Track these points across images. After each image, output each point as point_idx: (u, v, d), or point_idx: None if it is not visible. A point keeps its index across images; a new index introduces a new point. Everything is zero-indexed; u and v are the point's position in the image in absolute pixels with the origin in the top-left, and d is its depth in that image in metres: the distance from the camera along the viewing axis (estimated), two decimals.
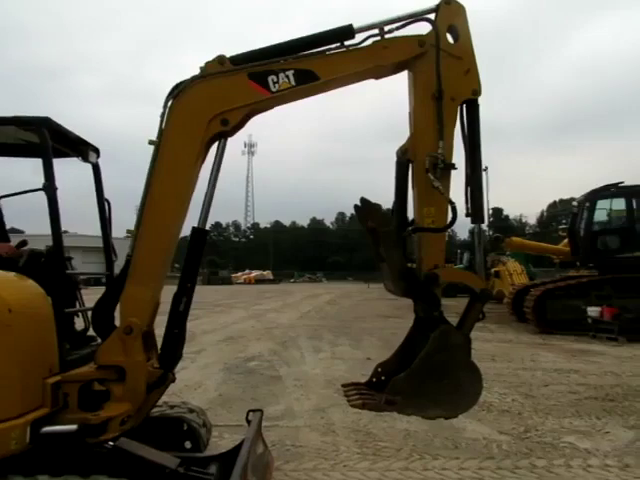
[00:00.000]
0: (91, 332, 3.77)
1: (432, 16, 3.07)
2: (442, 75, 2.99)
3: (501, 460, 4.74)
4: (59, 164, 3.46)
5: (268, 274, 73.71)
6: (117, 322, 3.09)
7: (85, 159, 3.85)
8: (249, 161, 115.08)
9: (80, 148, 3.79)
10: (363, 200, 3.12)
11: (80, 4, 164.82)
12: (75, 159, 3.89)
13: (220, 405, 6.59)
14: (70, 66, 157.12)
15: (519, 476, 4.41)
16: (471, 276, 3.19)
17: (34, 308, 2.95)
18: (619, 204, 15.00)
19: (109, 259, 3.94)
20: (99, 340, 3.26)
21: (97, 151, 3.95)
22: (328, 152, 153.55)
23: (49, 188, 3.18)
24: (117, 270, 3.53)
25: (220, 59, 3.03)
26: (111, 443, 3.10)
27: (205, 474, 3.35)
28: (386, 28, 3.05)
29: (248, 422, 3.89)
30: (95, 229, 4.01)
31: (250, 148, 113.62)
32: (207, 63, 3.03)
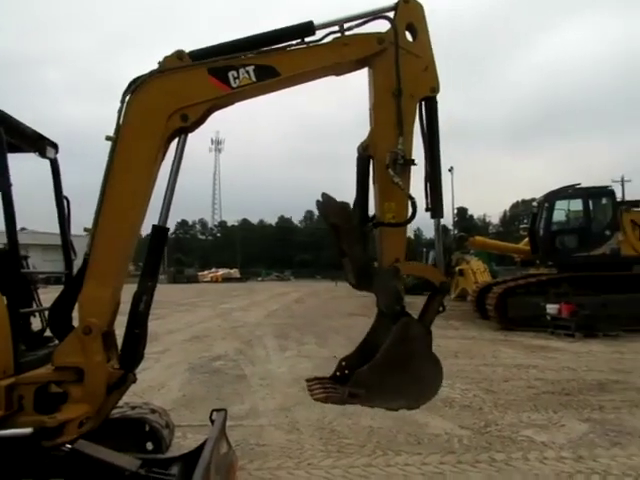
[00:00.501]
0: (49, 333, 3.68)
1: (391, 14, 3.12)
2: (401, 72, 3.04)
3: (462, 454, 4.86)
4: (16, 159, 3.36)
5: (235, 272, 73.16)
6: (75, 322, 3.02)
7: (43, 155, 3.73)
8: (216, 158, 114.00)
9: (37, 143, 3.67)
10: (324, 196, 3.15)
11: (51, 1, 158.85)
12: (32, 154, 3.77)
13: (184, 405, 6.52)
14: (36, 59, 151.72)
15: (479, 470, 4.53)
16: (431, 270, 3.25)
17: None
18: (576, 205, 15.56)
19: (68, 258, 3.84)
20: (57, 341, 3.18)
21: (55, 146, 3.84)
22: (296, 149, 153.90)
23: (3, 184, 3.07)
24: (76, 269, 3.45)
25: (179, 54, 2.98)
26: (68, 446, 3.03)
27: (167, 475, 3.29)
28: (346, 25, 3.07)
29: (212, 422, 3.85)
30: (55, 226, 3.90)
31: (217, 145, 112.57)
32: (166, 58, 2.98)
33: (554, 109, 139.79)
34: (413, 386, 3.05)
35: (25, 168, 3.33)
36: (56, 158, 3.85)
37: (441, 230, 3.28)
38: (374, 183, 3.19)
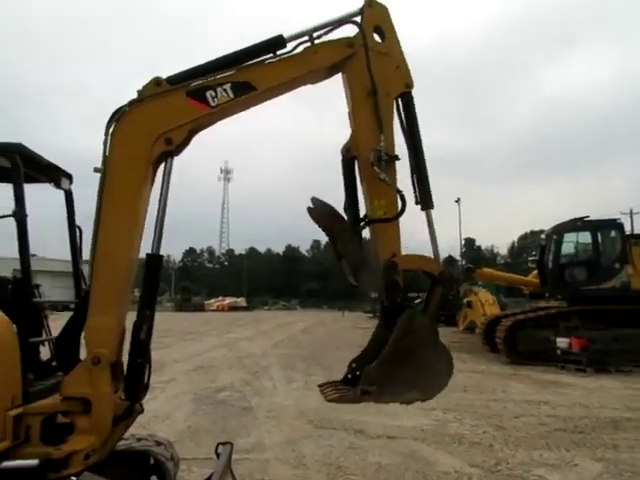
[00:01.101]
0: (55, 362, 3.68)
1: (358, 19, 3.23)
2: (374, 73, 3.14)
3: None
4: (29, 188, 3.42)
5: (242, 301, 72.96)
6: (82, 353, 3.02)
7: (57, 185, 3.81)
8: (225, 187, 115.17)
9: (53, 174, 3.75)
10: (314, 200, 3.23)
11: (65, 33, 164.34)
12: (47, 185, 3.85)
13: (189, 437, 6.43)
14: (51, 92, 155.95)
15: None
16: (428, 260, 3.21)
17: None
18: (585, 237, 15.48)
19: (78, 287, 3.87)
20: None
21: (70, 177, 3.91)
22: (305, 179, 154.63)
23: (19, 214, 3.13)
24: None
25: (156, 80, 3.06)
26: (74, 478, 2.99)
27: None
28: (315, 34, 3.17)
29: (217, 455, 3.81)
30: (64, 253, 3.94)
31: (226, 174, 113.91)
32: (144, 86, 3.06)
33: (561, 141, 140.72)
34: (424, 377, 3.03)
35: (32, 195, 3.38)
36: (70, 189, 3.93)
37: (433, 223, 3.28)
38: (361, 182, 3.26)
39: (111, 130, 3.01)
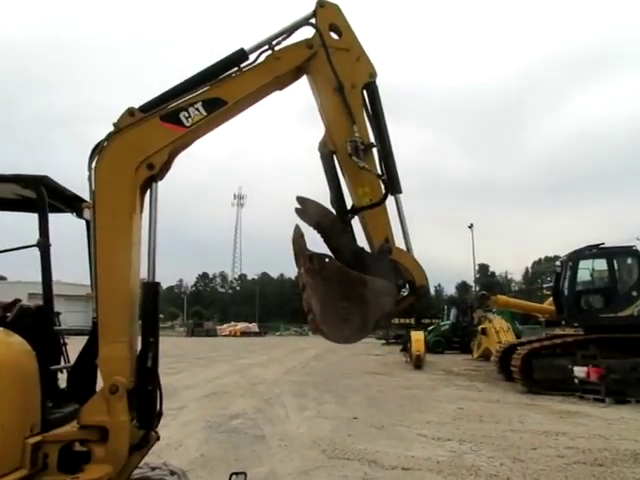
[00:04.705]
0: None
1: (313, 20, 3.34)
2: (337, 69, 3.25)
3: None
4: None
5: (254, 326, 72.75)
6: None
7: (80, 215, 3.91)
8: (238, 212, 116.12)
9: (75, 205, 3.86)
10: (300, 199, 3.32)
11: (98, 57, 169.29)
12: (69, 214, 3.96)
13: (201, 466, 6.38)
14: (84, 116, 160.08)
15: None
16: (417, 267, 3.23)
17: (19, 365, 2.92)
18: (601, 264, 15.29)
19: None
20: None
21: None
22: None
23: (43, 244, 3.22)
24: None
25: (130, 111, 3.16)
26: None
27: None
28: (275, 42, 3.28)
29: None
30: (77, 277, 4.02)
31: (240, 200, 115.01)
32: (119, 118, 3.16)
33: (577, 169, 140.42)
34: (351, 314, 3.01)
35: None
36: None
37: (402, 208, 3.33)
38: (343, 175, 3.34)
39: (94, 165, 3.10)
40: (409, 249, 3.30)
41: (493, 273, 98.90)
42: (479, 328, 24.74)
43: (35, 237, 3.26)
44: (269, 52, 3.28)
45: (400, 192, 3.35)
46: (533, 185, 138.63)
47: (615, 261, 15.01)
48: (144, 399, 3.05)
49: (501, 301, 20.58)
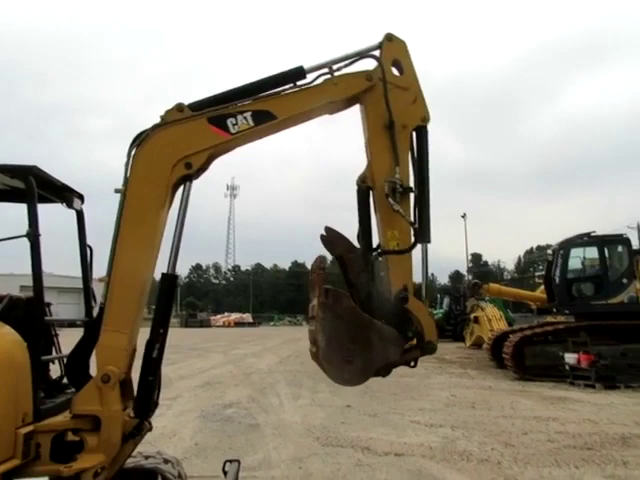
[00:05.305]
0: (66, 380, 3.73)
1: (377, 52, 3.30)
2: (391, 106, 3.20)
3: None
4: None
5: (247, 317, 72.93)
6: (92, 370, 3.06)
7: (69, 205, 3.89)
8: (231, 203, 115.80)
9: (65, 195, 3.84)
10: (328, 229, 3.28)
11: (92, 49, 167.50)
12: (59, 205, 3.93)
13: (196, 455, 6.43)
14: (78, 108, 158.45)
15: None
16: (429, 322, 3.19)
17: (10, 356, 2.92)
18: (592, 253, 15.42)
19: (89, 305, 3.93)
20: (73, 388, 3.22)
21: (81, 198, 4.00)
22: (311, 195, 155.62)
23: (32, 235, 3.20)
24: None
25: (179, 106, 3.15)
26: None
27: None
28: (335, 67, 3.25)
29: (224, 473, 3.82)
30: (70, 269, 4.02)
31: (232, 190, 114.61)
32: (167, 111, 3.15)
33: (570, 157, 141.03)
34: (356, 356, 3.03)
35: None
36: (82, 209, 4.01)
37: (428, 257, 3.28)
38: (375, 213, 3.30)
39: (133, 152, 3.11)
40: (424, 299, 3.24)
41: (486, 262, 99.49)
42: (472, 316, 24.96)
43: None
44: (328, 76, 3.25)
45: (429, 242, 3.27)
46: (527, 174, 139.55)
47: (606, 249, 15.14)
48: (144, 389, 3.08)
49: (493, 289, 20.66)
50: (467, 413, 9.28)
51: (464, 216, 47.04)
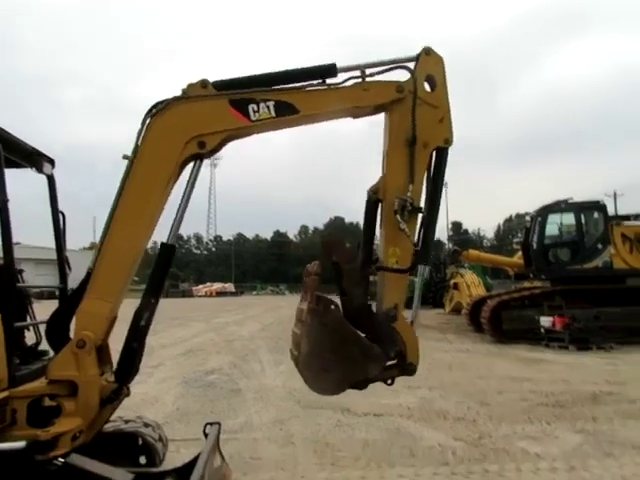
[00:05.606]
0: (42, 346, 3.70)
1: (412, 65, 3.19)
2: (417, 122, 3.10)
3: (455, 466, 4.87)
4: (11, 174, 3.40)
5: (230, 287, 73.04)
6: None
7: (39, 170, 3.78)
8: (212, 173, 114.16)
9: (34, 159, 3.72)
10: (329, 235, 3.19)
11: (67, 19, 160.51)
12: (29, 170, 3.82)
13: (177, 419, 6.49)
14: (54, 78, 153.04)
15: None
16: (414, 345, 3.18)
17: None
18: (569, 219, 15.70)
19: (63, 272, 3.87)
20: (50, 355, 3.20)
21: (52, 162, 3.89)
22: (293, 165, 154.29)
23: (1, 200, 3.11)
24: (71, 283, 3.48)
25: (203, 82, 3.05)
26: (61, 460, 3.03)
27: None
28: (368, 71, 3.14)
29: (205, 435, 3.86)
30: (48, 241, 3.94)
31: (213, 160, 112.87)
32: (190, 85, 3.05)
33: (550, 126, 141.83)
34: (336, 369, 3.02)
35: (16, 181, 3.39)
36: (52, 174, 3.90)
37: (423, 277, 3.23)
38: (381, 226, 3.24)
39: (148, 121, 3.01)
40: (413, 320, 3.22)
41: (466, 231, 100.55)
42: (451, 283, 25.38)
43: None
44: (359, 80, 3.14)
45: (427, 264, 3.24)
46: (507, 143, 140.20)
47: (582, 215, 15.42)
48: (127, 355, 3.07)
49: (472, 256, 21.00)
50: (445, 375, 9.52)
51: (445, 185, 47.34)
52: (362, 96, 3.15)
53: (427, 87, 3.22)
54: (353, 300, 3.08)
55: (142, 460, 3.88)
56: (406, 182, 3.12)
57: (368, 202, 3.27)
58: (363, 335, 3.07)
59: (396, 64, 3.18)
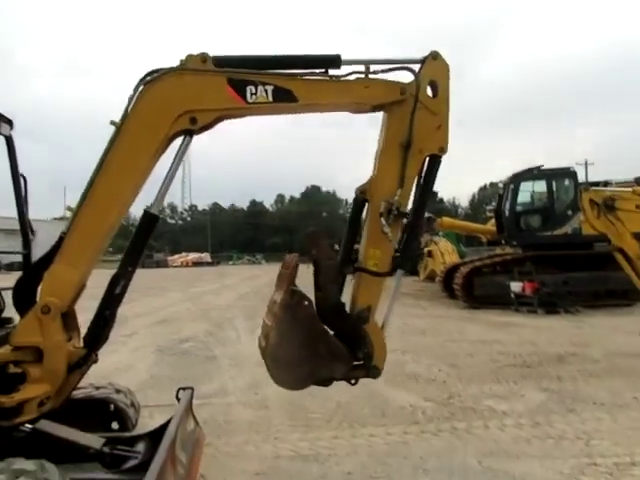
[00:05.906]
0: (6, 314, 3.62)
1: (417, 67, 3.11)
2: (415, 126, 3.04)
3: (425, 424, 5.02)
4: None
5: (206, 257, 72.65)
6: None
7: None
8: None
9: None
10: (316, 229, 3.21)
11: None
12: None
13: (151, 386, 6.50)
14: (13, 40, 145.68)
15: (441, 438, 4.69)
16: (382, 349, 3.19)
17: None
18: (540, 186, 15.92)
19: (26, 237, 3.76)
20: (15, 322, 3.13)
21: (10, 123, 3.72)
22: (268, 133, 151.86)
23: None
24: (35, 249, 3.38)
25: (203, 56, 2.92)
26: (29, 426, 3.01)
27: (132, 452, 3.32)
28: (372, 68, 3.06)
29: (178, 400, 3.87)
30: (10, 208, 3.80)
31: None
32: (188, 56, 2.91)
33: (525, 96, 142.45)
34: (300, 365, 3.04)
35: None
36: (11, 135, 3.74)
37: (400, 283, 3.26)
38: (364, 226, 3.21)
39: (140, 88, 2.87)
40: (384, 325, 3.22)
41: (441, 199, 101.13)
42: (425, 251, 25.68)
43: None
44: (362, 75, 3.02)
45: (405, 270, 3.22)
46: (484, 112, 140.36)
47: (554, 182, 15.65)
48: (99, 322, 3.02)
49: (446, 223, 21.23)
50: (417, 339, 9.73)
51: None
52: (363, 93, 3.07)
53: (429, 92, 3.15)
54: (327, 297, 3.07)
55: (114, 426, 3.89)
56: (395, 186, 3.08)
57: (355, 200, 3.25)
58: (333, 333, 3.07)
59: (401, 64, 3.11)
